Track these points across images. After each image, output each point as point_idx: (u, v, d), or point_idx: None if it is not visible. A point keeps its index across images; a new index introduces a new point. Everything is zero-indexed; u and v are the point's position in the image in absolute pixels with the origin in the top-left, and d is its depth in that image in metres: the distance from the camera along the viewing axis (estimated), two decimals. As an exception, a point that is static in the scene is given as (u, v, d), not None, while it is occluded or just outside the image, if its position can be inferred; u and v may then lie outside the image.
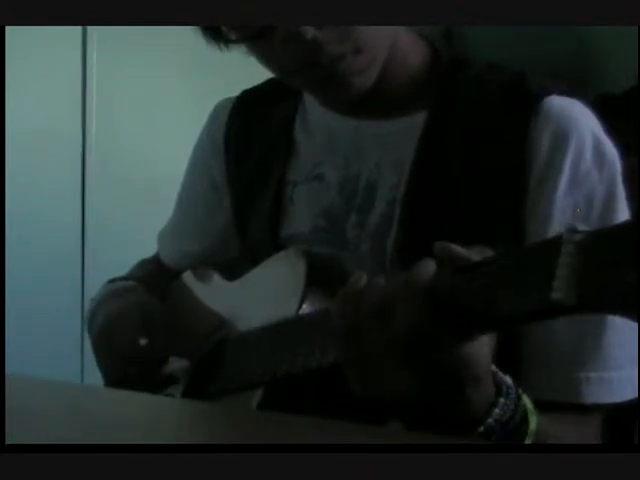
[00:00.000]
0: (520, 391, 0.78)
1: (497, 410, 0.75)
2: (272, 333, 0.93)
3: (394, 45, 1.00)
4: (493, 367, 0.77)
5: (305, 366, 0.85)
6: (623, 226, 0.58)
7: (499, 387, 0.76)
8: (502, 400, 0.76)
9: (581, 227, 0.60)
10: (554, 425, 0.88)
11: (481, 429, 0.75)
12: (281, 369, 0.89)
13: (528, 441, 0.77)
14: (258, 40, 0.95)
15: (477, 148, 0.98)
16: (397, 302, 0.72)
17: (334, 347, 0.79)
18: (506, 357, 0.94)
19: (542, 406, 0.92)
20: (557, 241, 0.60)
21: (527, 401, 0.78)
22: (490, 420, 0.75)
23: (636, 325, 0.74)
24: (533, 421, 0.78)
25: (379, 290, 0.74)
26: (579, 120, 0.97)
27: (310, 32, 0.91)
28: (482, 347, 0.73)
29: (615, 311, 0.59)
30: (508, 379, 0.78)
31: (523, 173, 0.95)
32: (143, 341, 1.04)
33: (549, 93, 0.97)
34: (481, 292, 0.67)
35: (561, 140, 0.95)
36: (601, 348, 0.92)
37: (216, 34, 0.98)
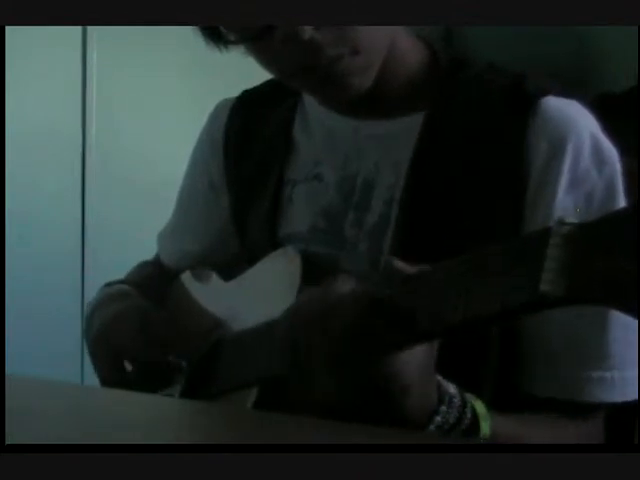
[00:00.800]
0: (468, 398, 0.81)
1: (438, 418, 0.78)
2: (266, 332, 0.93)
3: (393, 45, 1.00)
4: (438, 377, 0.79)
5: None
6: (611, 217, 0.58)
7: (442, 396, 0.79)
8: (444, 408, 0.79)
9: (570, 220, 0.60)
10: (546, 429, 0.89)
11: None
12: (277, 367, 0.89)
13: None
14: (257, 41, 0.95)
15: (475, 149, 0.98)
16: (338, 306, 0.75)
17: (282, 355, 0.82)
18: (509, 355, 0.95)
19: (544, 404, 0.92)
20: (545, 233, 0.61)
21: (479, 407, 0.81)
22: (432, 427, 0.78)
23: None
24: (485, 426, 0.80)
25: (312, 302, 0.77)
26: (577, 121, 0.97)
27: (308, 33, 0.91)
28: (412, 356, 0.75)
29: (604, 302, 0.59)
30: (452, 388, 0.80)
31: (522, 174, 0.95)
32: (141, 344, 1.04)
33: (546, 93, 0.97)
34: (469, 287, 0.67)
35: (559, 142, 0.95)
36: (603, 347, 0.93)
37: (215, 35, 0.98)
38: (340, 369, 0.74)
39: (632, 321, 0.90)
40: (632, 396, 0.93)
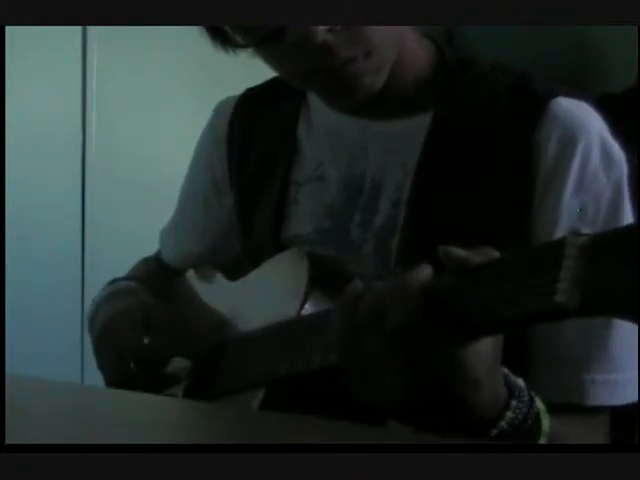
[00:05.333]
0: (532, 393, 0.78)
1: (510, 413, 0.75)
2: (274, 333, 0.93)
3: (402, 45, 0.99)
4: (505, 370, 0.77)
5: (307, 367, 0.85)
6: (627, 229, 0.58)
7: (511, 390, 0.76)
8: (514, 403, 0.76)
9: (584, 230, 0.60)
10: (565, 426, 0.89)
11: (494, 432, 0.74)
12: (282, 370, 0.89)
13: (541, 442, 0.77)
14: (267, 44, 0.94)
15: (483, 149, 0.97)
16: (391, 304, 0.71)
17: (335, 352, 0.79)
18: (512, 358, 0.94)
19: (548, 408, 0.92)
20: (560, 244, 0.60)
21: (539, 402, 0.78)
22: (503, 423, 0.75)
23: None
24: (546, 423, 0.77)
25: (374, 292, 0.74)
26: (586, 122, 0.96)
27: (320, 35, 0.91)
28: (480, 349, 0.72)
29: (618, 314, 0.59)
30: (520, 381, 0.77)
31: (530, 175, 0.95)
32: (145, 341, 1.04)
33: (555, 95, 0.97)
34: (484, 294, 0.67)
35: (568, 143, 0.95)
36: (606, 350, 0.92)
37: (224, 39, 0.98)
38: (407, 366, 0.71)
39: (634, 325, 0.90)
40: (634, 399, 0.93)
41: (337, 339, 0.76)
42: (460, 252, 0.71)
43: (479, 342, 0.72)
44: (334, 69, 0.94)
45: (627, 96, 2.25)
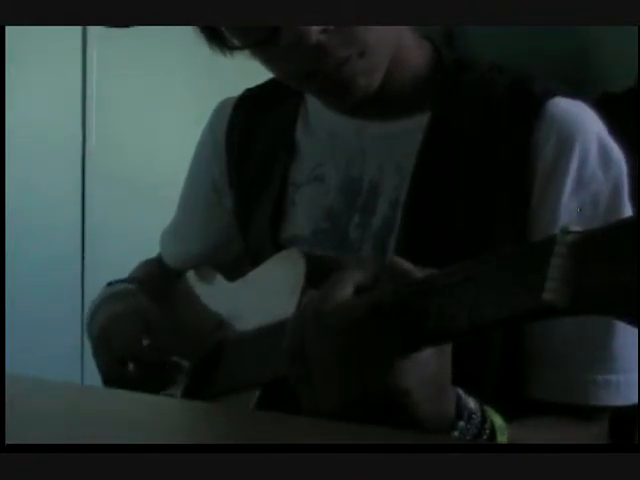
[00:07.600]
0: (487, 413, 0.79)
1: (456, 433, 0.76)
2: (271, 333, 0.93)
3: (398, 46, 0.99)
4: (459, 391, 0.78)
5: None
6: (615, 226, 0.58)
7: (460, 411, 0.77)
8: (462, 424, 0.77)
9: (574, 228, 0.60)
10: (564, 425, 0.89)
11: None
12: (280, 370, 0.89)
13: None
14: (262, 46, 0.94)
15: (480, 150, 0.97)
16: (337, 303, 0.74)
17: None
18: (513, 357, 0.95)
19: (548, 408, 0.92)
20: (551, 242, 0.60)
21: (497, 420, 0.79)
22: None
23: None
24: (502, 439, 0.78)
25: (314, 306, 0.75)
26: (584, 123, 0.96)
27: (314, 36, 0.91)
28: (417, 361, 0.73)
29: (608, 313, 0.59)
30: (472, 403, 0.78)
31: (527, 176, 0.95)
32: (144, 342, 1.04)
33: (553, 95, 0.97)
34: (461, 297, 0.67)
35: (566, 143, 0.95)
36: (608, 350, 0.92)
37: (220, 41, 0.98)
38: (341, 373, 0.73)
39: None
40: (636, 399, 0.93)
41: (285, 342, 0.77)
42: (405, 264, 0.73)
43: (418, 354, 0.72)
44: (329, 70, 0.94)
45: (627, 96, 2.25)
